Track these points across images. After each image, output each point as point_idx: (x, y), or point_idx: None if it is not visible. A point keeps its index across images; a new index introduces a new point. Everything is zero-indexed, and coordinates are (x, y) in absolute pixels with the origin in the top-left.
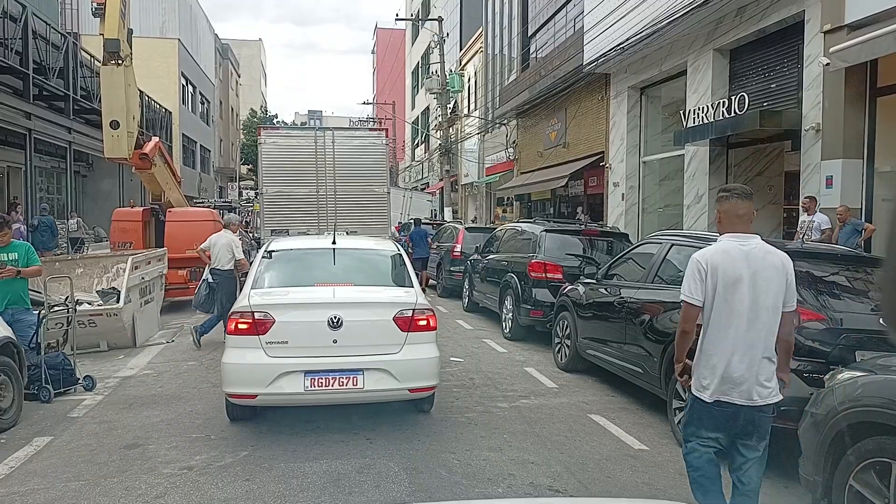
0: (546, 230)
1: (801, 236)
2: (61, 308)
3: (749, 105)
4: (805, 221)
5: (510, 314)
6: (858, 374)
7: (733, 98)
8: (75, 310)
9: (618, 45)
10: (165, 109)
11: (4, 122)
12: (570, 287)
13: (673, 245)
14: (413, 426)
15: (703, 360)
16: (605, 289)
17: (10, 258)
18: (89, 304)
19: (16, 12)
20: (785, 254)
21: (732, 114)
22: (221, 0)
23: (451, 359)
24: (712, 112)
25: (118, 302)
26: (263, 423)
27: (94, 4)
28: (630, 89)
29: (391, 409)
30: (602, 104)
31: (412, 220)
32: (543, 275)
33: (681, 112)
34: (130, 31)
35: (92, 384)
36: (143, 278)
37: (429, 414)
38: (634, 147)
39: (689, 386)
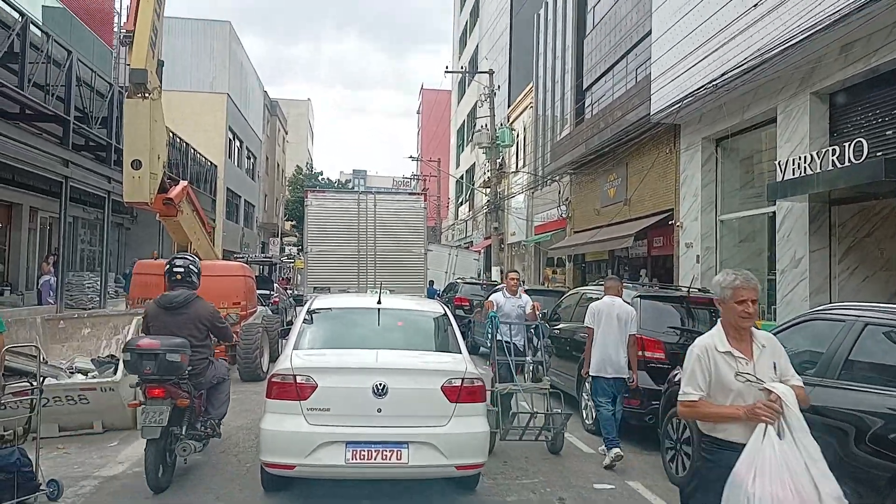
0: (641, 296)
1: None
2: (22, 385)
3: (867, 153)
4: None
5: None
6: None
7: (847, 145)
8: (41, 390)
9: (696, 90)
10: (211, 163)
11: (41, 168)
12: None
13: (867, 325)
14: None
15: (596, 357)
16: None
17: None
18: (84, 375)
19: (60, 58)
20: (630, 305)
21: (847, 163)
22: (276, 65)
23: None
24: (818, 162)
25: (115, 374)
26: None
27: (124, 31)
28: (704, 141)
29: None
30: (670, 157)
31: (450, 281)
32: (640, 353)
33: (776, 163)
34: (161, 63)
35: (58, 492)
36: None
37: None
38: (710, 204)
39: (587, 373)
